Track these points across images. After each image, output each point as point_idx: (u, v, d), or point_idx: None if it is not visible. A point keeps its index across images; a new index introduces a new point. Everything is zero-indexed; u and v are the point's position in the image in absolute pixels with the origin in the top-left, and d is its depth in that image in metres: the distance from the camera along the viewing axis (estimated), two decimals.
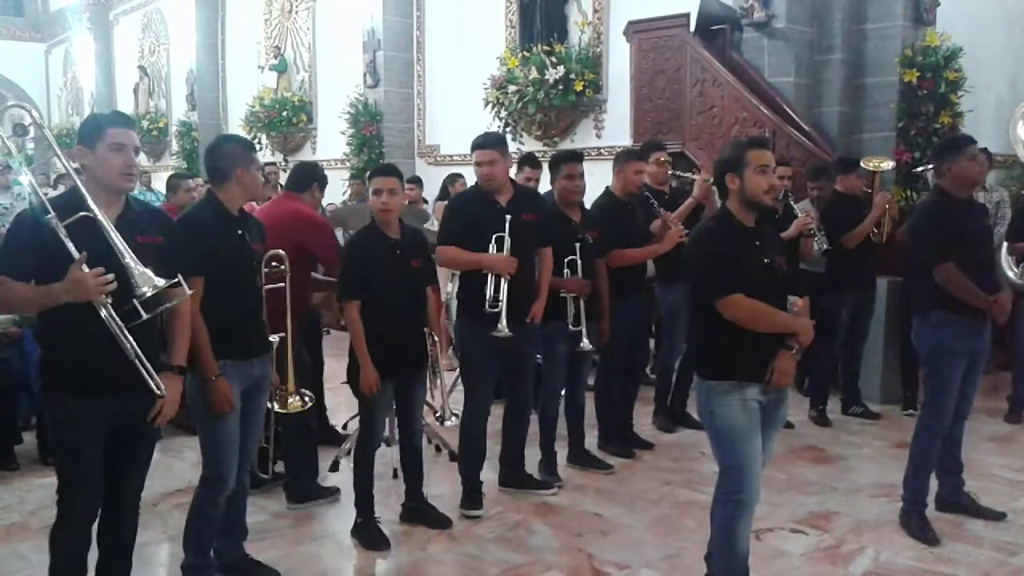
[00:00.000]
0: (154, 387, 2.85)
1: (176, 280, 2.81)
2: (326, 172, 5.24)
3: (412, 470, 4.31)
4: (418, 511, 4.31)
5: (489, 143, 4.41)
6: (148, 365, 2.84)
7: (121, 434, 2.98)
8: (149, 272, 2.77)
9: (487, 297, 4.27)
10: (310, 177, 4.93)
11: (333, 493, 4.67)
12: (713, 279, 3.16)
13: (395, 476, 4.69)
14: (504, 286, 4.27)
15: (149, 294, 2.74)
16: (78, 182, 2.85)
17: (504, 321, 4.24)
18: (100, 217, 2.78)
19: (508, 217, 4.30)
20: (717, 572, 3.35)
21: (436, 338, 4.23)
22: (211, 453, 3.47)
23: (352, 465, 4.21)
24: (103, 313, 2.75)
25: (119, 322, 2.77)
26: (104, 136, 2.87)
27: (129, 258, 2.76)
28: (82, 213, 2.76)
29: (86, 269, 2.70)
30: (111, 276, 2.72)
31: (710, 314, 3.17)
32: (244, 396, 3.49)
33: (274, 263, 3.77)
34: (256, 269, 3.55)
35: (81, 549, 3.02)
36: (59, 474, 3.01)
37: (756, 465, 3.22)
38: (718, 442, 3.26)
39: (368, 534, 4.09)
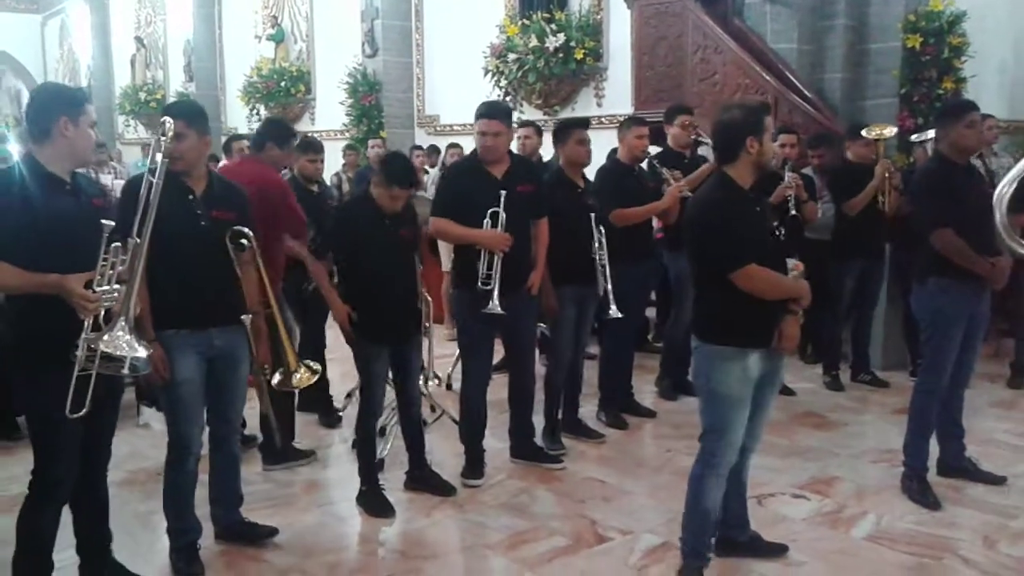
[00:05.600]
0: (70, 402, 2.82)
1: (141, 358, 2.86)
2: (325, 143, 5.17)
3: (413, 438, 4.33)
4: (421, 478, 4.33)
5: (496, 114, 4.35)
6: (89, 385, 2.83)
7: (96, 399, 2.94)
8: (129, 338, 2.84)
9: (480, 273, 4.26)
10: (262, 135, 4.77)
11: (308, 456, 4.74)
12: (727, 251, 3.13)
13: (381, 434, 4.73)
14: (497, 263, 4.24)
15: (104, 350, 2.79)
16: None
17: (496, 299, 4.22)
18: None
19: (503, 193, 4.24)
20: (686, 526, 3.38)
21: (428, 299, 4.27)
22: (170, 421, 3.51)
23: (352, 434, 4.24)
24: (84, 322, 2.80)
25: (88, 335, 2.79)
26: (86, 112, 2.97)
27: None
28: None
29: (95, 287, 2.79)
30: (99, 308, 2.80)
31: (718, 283, 3.15)
32: (211, 366, 3.48)
33: (242, 240, 3.57)
34: (214, 237, 3.44)
35: (54, 529, 3.06)
36: (36, 447, 3.00)
37: (739, 433, 3.27)
38: (710, 405, 3.30)
39: (373, 502, 4.12)
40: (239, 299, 3.58)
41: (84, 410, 2.83)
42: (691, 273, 3.39)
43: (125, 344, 2.82)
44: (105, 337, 2.80)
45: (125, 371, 2.87)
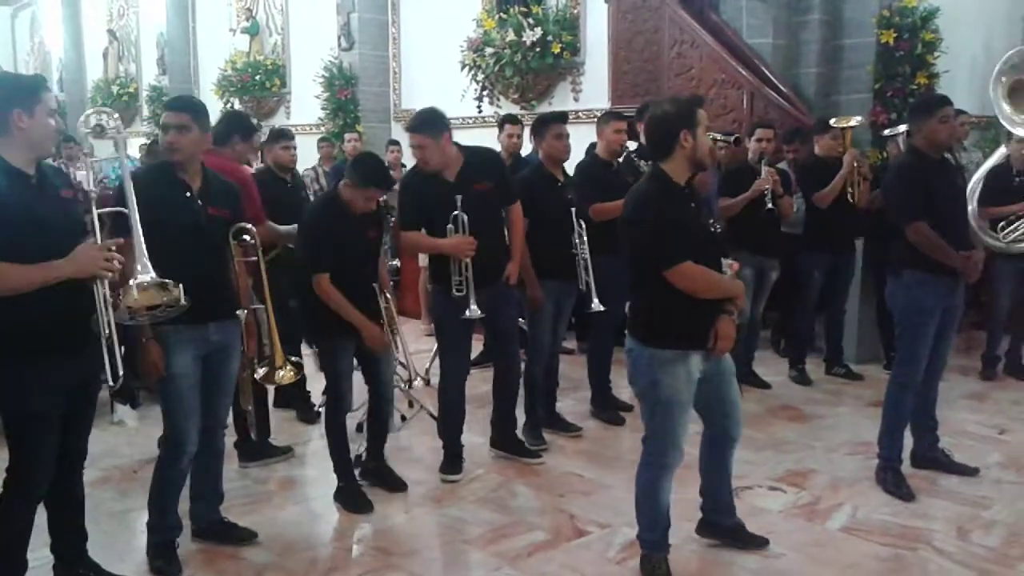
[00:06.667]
0: (110, 375, 2.89)
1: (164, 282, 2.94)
2: (301, 137, 5.16)
3: (375, 430, 4.31)
4: (376, 472, 4.31)
5: (418, 127, 4.19)
6: (117, 353, 2.88)
7: (73, 396, 3.00)
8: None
9: (453, 282, 4.23)
10: (228, 129, 4.65)
11: (285, 452, 4.73)
12: (662, 248, 3.11)
13: (359, 430, 4.73)
14: (467, 268, 4.19)
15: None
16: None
17: (473, 304, 4.20)
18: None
19: (459, 197, 4.17)
20: (642, 527, 3.40)
21: (388, 295, 4.23)
22: (167, 417, 3.48)
23: (324, 432, 4.21)
24: (99, 293, 2.83)
25: (107, 301, 2.83)
26: (41, 100, 2.92)
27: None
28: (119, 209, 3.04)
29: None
30: (120, 257, 2.86)
31: (654, 281, 3.14)
32: (204, 361, 3.46)
33: (244, 236, 3.64)
34: (211, 233, 3.45)
35: (29, 528, 3.04)
36: (13, 446, 2.97)
37: (685, 435, 3.28)
38: (654, 410, 3.26)
39: (350, 498, 4.10)
40: (235, 293, 3.62)
41: (120, 381, 2.91)
42: (627, 274, 3.35)
43: (150, 278, 2.91)
44: (134, 284, 2.87)
45: (183, 301, 2.96)
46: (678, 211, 3.15)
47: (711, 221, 3.30)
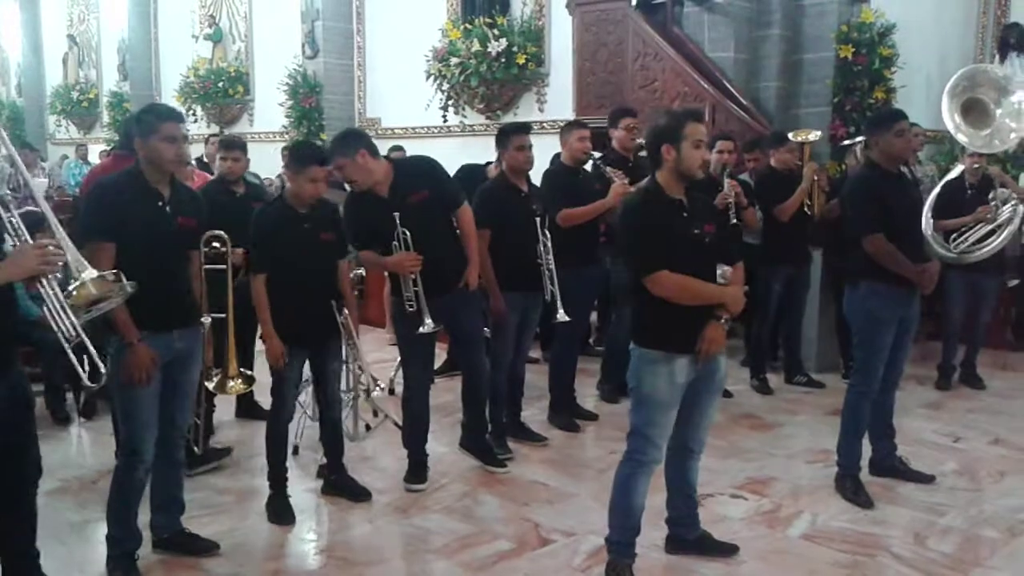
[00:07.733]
0: (85, 376, 2.79)
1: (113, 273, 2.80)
2: (264, 145, 5.13)
3: (331, 442, 4.29)
4: (338, 483, 4.29)
5: (331, 150, 4.19)
6: (91, 348, 2.76)
7: (12, 410, 2.91)
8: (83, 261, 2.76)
9: (404, 298, 4.21)
10: (130, 132, 4.37)
11: (227, 454, 4.69)
12: (639, 256, 3.20)
13: (295, 453, 4.72)
14: (414, 283, 4.16)
15: (79, 281, 2.71)
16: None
17: (427, 319, 4.17)
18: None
19: (396, 214, 4.13)
20: (612, 528, 3.43)
21: (348, 310, 4.18)
22: (125, 426, 3.42)
23: (264, 438, 4.16)
24: (46, 292, 2.68)
25: (61, 301, 2.69)
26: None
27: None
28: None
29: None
30: (58, 250, 2.69)
31: (642, 286, 3.22)
32: (166, 368, 3.41)
33: (214, 244, 3.67)
34: (179, 241, 3.45)
35: None
36: None
37: (664, 435, 3.34)
38: (638, 406, 3.34)
39: (276, 508, 4.06)
40: (198, 301, 3.62)
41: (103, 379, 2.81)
42: (627, 277, 3.44)
43: (87, 274, 2.74)
44: (86, 278, 2.70)
45: (128, 289, 2.82)
46: (659, 220, 3.21)
47: (706, 228, 3.29)
